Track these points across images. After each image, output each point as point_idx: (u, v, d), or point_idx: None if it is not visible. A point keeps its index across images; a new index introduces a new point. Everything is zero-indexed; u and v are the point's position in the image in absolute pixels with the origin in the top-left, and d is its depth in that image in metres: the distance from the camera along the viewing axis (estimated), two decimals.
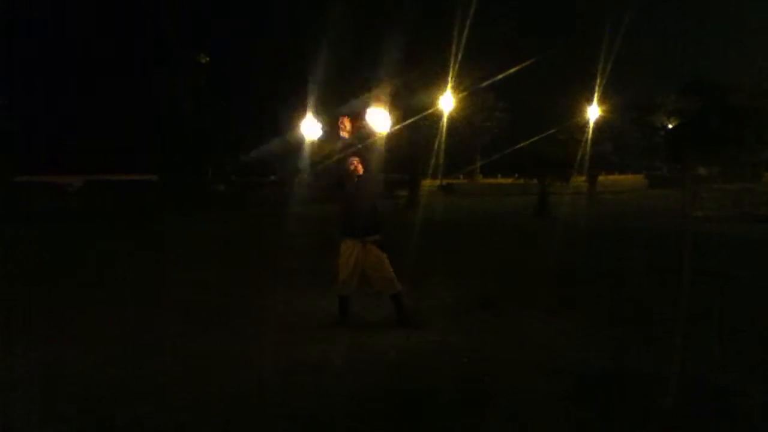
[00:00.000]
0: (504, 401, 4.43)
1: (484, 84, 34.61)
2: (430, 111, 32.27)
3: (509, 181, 45.64)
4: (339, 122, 6.14)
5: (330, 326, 6.35)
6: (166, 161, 28.69)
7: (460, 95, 35.55)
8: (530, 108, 46.24)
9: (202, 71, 30.71)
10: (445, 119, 33.01)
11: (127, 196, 21.43)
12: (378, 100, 6.34)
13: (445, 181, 41.78)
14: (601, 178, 42.86)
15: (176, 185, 24.63)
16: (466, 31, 25.82)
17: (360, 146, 6.09)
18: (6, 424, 4.05)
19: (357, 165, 6.12)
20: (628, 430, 4.03)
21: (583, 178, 37.30)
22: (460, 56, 27.79)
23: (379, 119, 6.12)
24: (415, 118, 30.30)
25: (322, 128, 7.25)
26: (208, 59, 31.24)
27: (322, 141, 7.32)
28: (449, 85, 31.43)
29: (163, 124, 29.95)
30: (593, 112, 36.96)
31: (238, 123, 30.05)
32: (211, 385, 4.77)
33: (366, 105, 6.16)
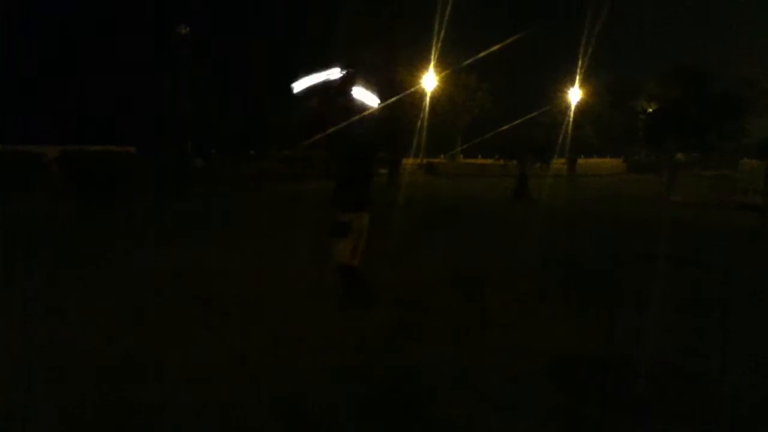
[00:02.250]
0: (480, 383, 4.46)
1: (467, 63, 34.51)
2: (413, 89, 32.16)
3: (490, 161, 45.81)
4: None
5: (307, 302, 6.32)
6: (145, 133, 28.33)
7: (443, 73, 35.47)
8: (512, 90, 46.30)
9: (183, 44, 30.17)
10: (428, 98, 32.93)
11: (105, 168, 21.01)
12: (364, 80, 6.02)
13: (426, 161, 41.76)
14: (580, 161, 43.18)
15: (154, 159, 24.29)
16: (448, 10, 25.68)
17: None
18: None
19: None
20: (601, 413, 4.08)
21: (563, 161, 37.52)
22: (443, 35, 27.67)
23: (367, 96, 5.86)
24: (399, 96, 30.14)
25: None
26: (188, 30, 30.66)
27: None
28: (432, 64, 31.32)
29: (142, 97, 29.52)
30: (575, 95, 37.15)
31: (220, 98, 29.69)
32: (196, 360, 4.76)
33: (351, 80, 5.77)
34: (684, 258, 9.13)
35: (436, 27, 27.10)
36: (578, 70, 33.56)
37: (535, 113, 32.03)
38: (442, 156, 48.64)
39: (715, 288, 7.90)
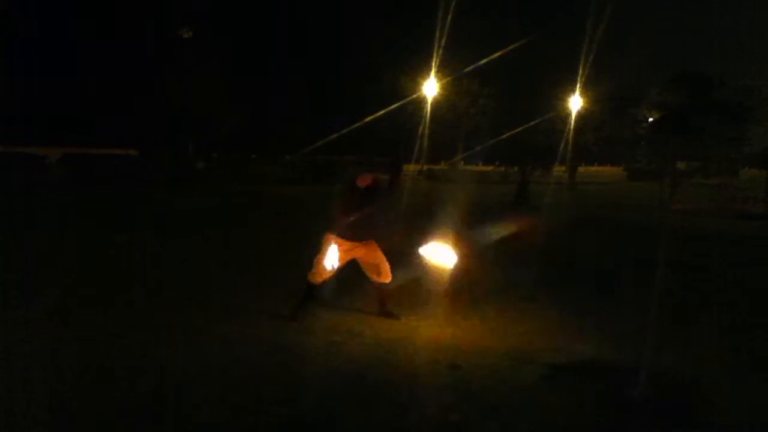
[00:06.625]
0: (479, 388, 4.44)
1: (469, 69, 34.55)
2: (414, 96, 32.18)
3: (490, 168, 45.82)
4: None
5: (302, 310, 6.28)
6: (146, 136, 28.36)
7: (445, 80, 35.50)
8: (514, 96, 46.34)
9: (186, 46, 30.26)
10: (429, 104, 32.93)
11: (108, 171, 21.08)
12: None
13: (426, 167, 41.79)
14: (581, 169, 43.21)
15: (155, 162, 24.32)
16: (450, 16, 25.76)
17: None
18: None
19: (370, 180, 5.99)
20: (596, 419, 4.05)
21: (564, 168, 37.52)
22: (444, 41, 27.71)
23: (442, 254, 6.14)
24: (400, 102, 30.14)
25: None
26: (191, 34, 30.77)
27: None
28: (433, 70, 31.35)
29: (142, 97, 29.56)
30: (576, 102, 37.16)
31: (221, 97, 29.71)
32: (196, 361, 4.76)
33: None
34: (684, 263, 9.12)
35: (438, 32, 27.13)
36: (579, 77, 33.62)
37: (537, 120, 32.04)
38: (442, 162, 48.66)
39: (714, 293, 7.88)
